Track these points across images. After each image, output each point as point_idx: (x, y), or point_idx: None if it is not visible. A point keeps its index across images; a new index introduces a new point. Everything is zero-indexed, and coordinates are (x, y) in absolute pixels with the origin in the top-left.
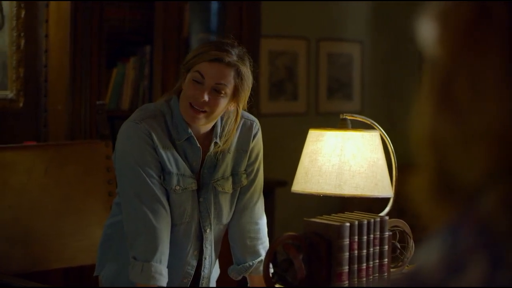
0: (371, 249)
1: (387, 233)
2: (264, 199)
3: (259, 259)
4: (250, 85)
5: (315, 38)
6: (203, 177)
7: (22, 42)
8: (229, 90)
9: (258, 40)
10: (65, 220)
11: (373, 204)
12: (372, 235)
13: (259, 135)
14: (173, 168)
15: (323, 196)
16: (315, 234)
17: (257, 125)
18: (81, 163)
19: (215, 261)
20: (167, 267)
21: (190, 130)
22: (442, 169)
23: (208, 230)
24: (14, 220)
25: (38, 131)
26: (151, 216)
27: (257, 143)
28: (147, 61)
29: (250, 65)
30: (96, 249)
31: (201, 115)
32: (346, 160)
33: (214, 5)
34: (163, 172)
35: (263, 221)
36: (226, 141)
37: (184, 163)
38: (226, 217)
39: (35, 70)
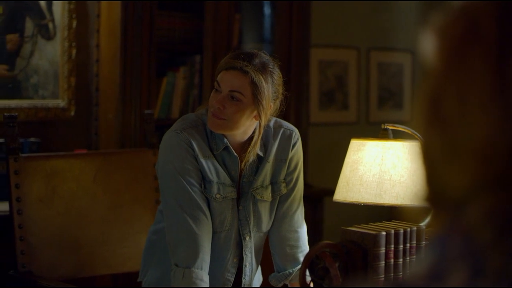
0: (407, 258)
1: (423, 242)
2: (313, 207)
3: (299, 266)
4: (270, 95)
5: (366, 47)
6: (242, 186)
7: (74, 52)
8: (245, 98)
9: (308, 49)
10: (113, 227)
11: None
12: (408, 244)
13: (299, 144)
14: (213, 177)
15: (372, 205)
16: (352, 242)
17: (296, 134)
18: (129, 171)
19: (257, 269)
20: (208, 274)
21: (226, 140)
22: (431, 180)
23: (247, 238)
24: (63, 227)
25: (89, 139)
26: (192, 223)
27: (297, 152)
28: (197, 70)
29: (274, 74)
30: None
31: (221, 122)
32: (386, 169)
33: (265, 15)
34: (204, 180)
35: (303, 229)
36: (249, 151)
37: (224, 172)
38: (265, 225)
39: (86, 80)
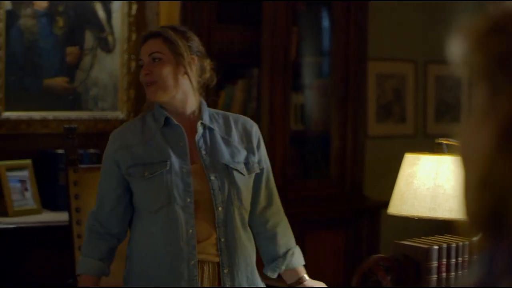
0: (460, 272)
1: (475, 257)
2: (369, 220)
3: (289, 251)
4: (187, 47)
5: (423, 60)
6: (203, 157)
7: (133, 64)
8: (164, 54)
9: (366, 62)
10: None
11: None
12: (460, 258)
13: (256, 127)
14: (142, 159)
15: (425, 218)
16: (404, 256)
17: (253, 123)
18: None
19: (248, 257)
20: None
21: (165, 112)
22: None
23: (220, 208)
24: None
25: None
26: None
27: (256, 131)
28: (255, 83)
29: (186, 33)
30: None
31: (153, 88)
32: (440, 183)
33: (322, 28)
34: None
35: (284, 219)
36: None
37: (165, 148)
38: (245, 198)
39: (144, 92)
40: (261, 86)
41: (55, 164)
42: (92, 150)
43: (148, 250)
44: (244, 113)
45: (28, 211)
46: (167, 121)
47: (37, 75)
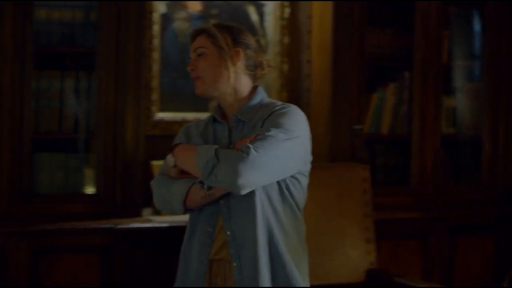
0: None
1: None
2: None
3: None
4: (229, 40)
5: None
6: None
7: (285, 67)
8: (207, 49)
9: None
10: (322, 239)
11: None
12: None
13: (280, 112)
14: None
15: None
16: None
17: (284, 105)
18: (339, 185)
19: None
20: None
21: (218, 111)
22: None
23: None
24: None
25: None
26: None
27: (273, 116)
28: (406, 87)
29: (232, 27)
30: (350, 268)
31: (198, 83)
32: None
33: (474, 31)
34: None
35: None
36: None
37: (210, 142)
38: None
39: (297, 94)
40: (413, 89)
41: None
42: None
43: None
44: (395, 116)
45: None
46: (214, 118)
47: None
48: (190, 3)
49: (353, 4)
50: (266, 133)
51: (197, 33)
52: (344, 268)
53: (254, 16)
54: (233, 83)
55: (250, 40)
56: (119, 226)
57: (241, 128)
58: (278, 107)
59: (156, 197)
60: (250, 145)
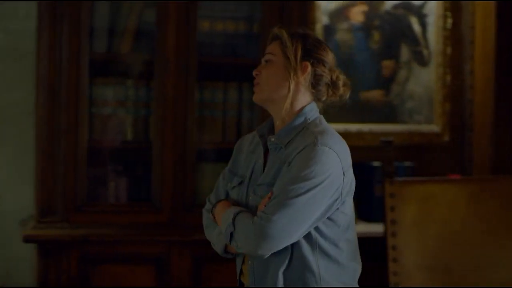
0: None
1: None
2: None
3: None
4: (300, 51)
5: None
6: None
7: (448, 78)
8: (276, 56)
9: None
10: (485, 253)
11: None
12: None
13: (308, 150)
14: (236, 170)
15: None
16: None
17: (313, 143)
18: (502, 198)
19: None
20: None
21: (266, 128)
22: None
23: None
24: (435, 250)
25: (462, 165)
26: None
27: (300, 156)
28: None
29: (309, 37)
30: None
31: (256, 89)
32: None
33: None
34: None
35: None
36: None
37: (245, 163)
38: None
39: (460, 105)
40: None
41: (371, 176)
42: (407, 163)
43: None
44: None
45: None
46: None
47: (353, 88)
48: (352, 15)
49: None
50: (284, 190)
51: (273, 38)
52: (508, 283)
53: (416, 26)
54: (292, 97)
55: (326, 56)
56: None
57: (276, 152)
58: (307, 145)
59: (205, 232)
60: (265, 212)
